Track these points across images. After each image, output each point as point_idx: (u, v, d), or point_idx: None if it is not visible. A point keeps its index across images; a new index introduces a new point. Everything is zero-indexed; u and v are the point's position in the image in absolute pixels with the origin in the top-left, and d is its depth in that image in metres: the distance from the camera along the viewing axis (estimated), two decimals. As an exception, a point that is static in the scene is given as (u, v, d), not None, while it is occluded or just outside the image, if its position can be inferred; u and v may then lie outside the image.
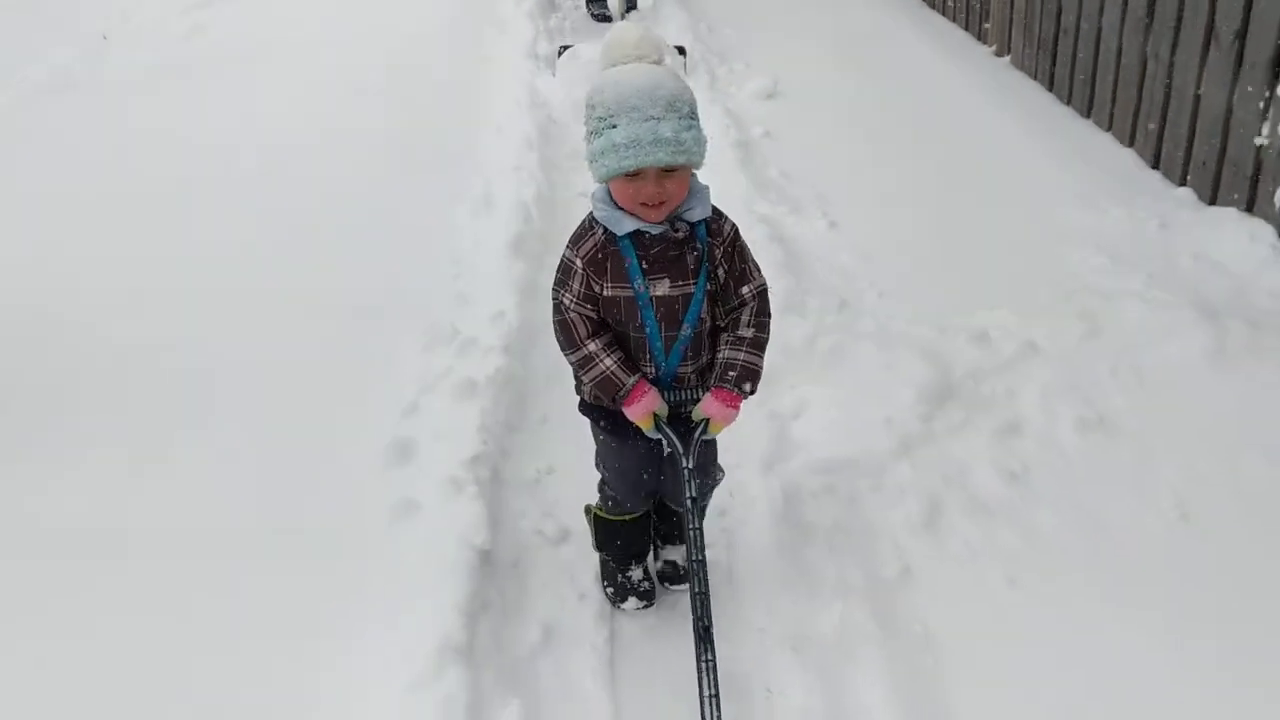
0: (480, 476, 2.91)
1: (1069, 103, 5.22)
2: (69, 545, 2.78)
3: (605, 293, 2.23)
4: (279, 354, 3.50)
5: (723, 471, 2.60)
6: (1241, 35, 3.86)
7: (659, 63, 2.13)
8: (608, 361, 2.25)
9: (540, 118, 5.40)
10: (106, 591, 2.63)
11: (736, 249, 2.29)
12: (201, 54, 6.43)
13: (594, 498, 2.68)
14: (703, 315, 2.27)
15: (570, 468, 3.05)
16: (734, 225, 2.29)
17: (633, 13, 6.78)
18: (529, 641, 2.54)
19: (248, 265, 4.06)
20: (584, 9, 7.24)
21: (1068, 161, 4.65)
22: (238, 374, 3.41)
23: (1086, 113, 5.06)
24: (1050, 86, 5.42)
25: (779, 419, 3.19)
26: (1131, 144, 4.69)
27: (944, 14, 6.78)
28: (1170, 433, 3.01)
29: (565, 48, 6.12)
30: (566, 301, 2.26)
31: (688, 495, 2.29)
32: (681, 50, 5.92)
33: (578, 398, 2.48)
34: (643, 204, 2.13)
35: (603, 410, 2.39)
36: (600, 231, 2.21)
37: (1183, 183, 4.31)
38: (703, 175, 2.25)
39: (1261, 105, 3.79)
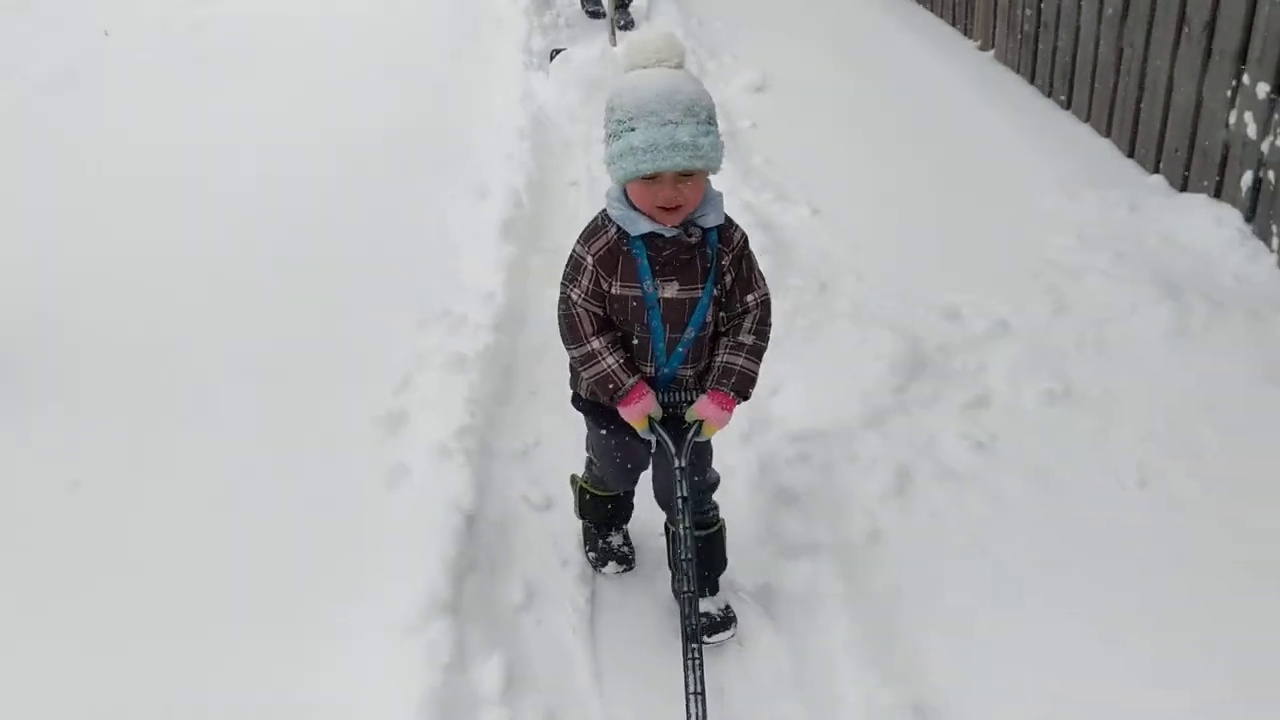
0: (468, 446, 3.03)
1: (1049, 95, 5.35)
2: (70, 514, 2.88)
3: (614, 291, 2.24)
4: (280, 335, 3.60)
5: (718, 475, 2.64)
6: (1210, 27, 3.98)
7: (679, 67, 2.14)
8: (609, 360, 2.27)
9: (533, 109, 5.52)
10: (112, 553, 2.75)
11: (745, 257, 2.31)
12: (202, 52, 6.51)
13: (580, 469, 2.78)
14: (707, 320, 2.29)
15: (557, 440, 3.17)
16: (744, 234, 2.32)
17: (626, 8, 6.90)
18: (513, 599, 2.67)
19: (248, 253, 4.14)
20: (578, 5, 7.36)
21: (1046, 151, 4.78)
22: (240, 356, 3.51)
23: (1067, 104, 5.18)
24: (1032, 79, 5.54)
25: (757, 394, 3.27)
26: (1108, 134, 4.81)
27: (931, 9, 6.90)
28: (1131, 403, 3.14)
29: (557, 51, 6.23)
30: (575, 297, 2.28)
31: (679, 495, 2.32)
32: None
33: (571, 392, 2.51)
34: (659, 207, 2.14)
35: (598, 408, 2.42)
36: (613, 230, 2.22)
37: (1156, 170, 4.43)
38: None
39: (1229, 94, 3.91)
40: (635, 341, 2.30)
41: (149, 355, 3.55)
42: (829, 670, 2.46)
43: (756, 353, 2.35)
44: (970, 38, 6.29)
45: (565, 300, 2.31)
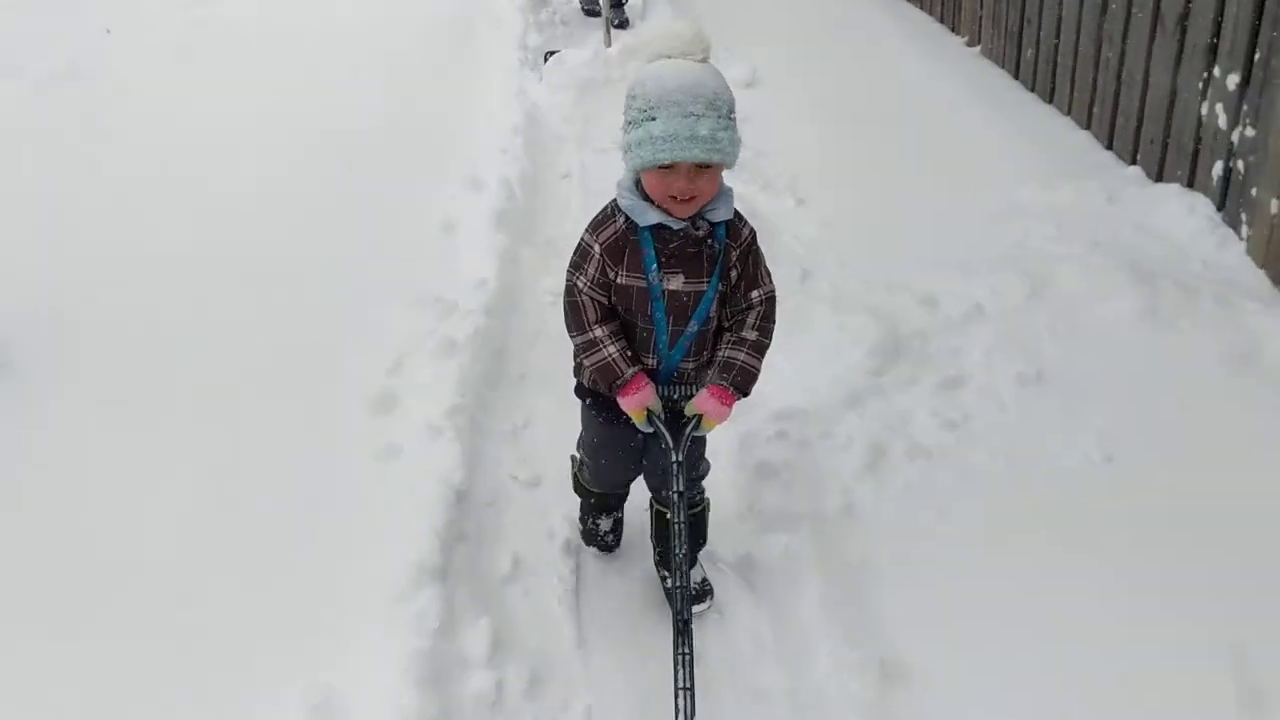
0: (458, 425, 3.13)
1: (1033, 89, 5.46)
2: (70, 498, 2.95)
3: (619, 280, 2.26)
4: (278, 320, 3.69)
5: (709, 465, 2.68)
6: (1184, 22, 4.08)
7: (704, 60, 2.14)
8: (611, 349, 2.29)
9: (527, 104, 5.64)
10: (118, 521, 2.83)
11: (752, 253, 2.32)
12: (202, 51, 6.60)
13: (570, 447, 2.83)
14: (711, 314, 2.31)
15: (547, 421, 3.29)
16: (752, 230, 2.34)
17: (621, 7, 6.99)
18: (500, 569, 2.77)
19: (247, 248, 4.19)
20: (575, 3, 7.46)
21: (1028, 144, 4.88)
22: (241, 339, 3.60)
23: (1049, 98, 5.29)
24: (1016, 74, 5.65)
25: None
26: (1088, 126, 4.92)
27: (920, 6, 7.02)
28: (1100, 384, 3.24)
29: (551, 53, 6.33)
30: (580, 284, 2.30)
31: (675, 489, 2.34)
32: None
33: (575, 381, 2.53)
34: (672, 197, 2.15)
35: (598, 396, 2.44)
36: (622, 220, 2.24)
37: (1133, 161, 4.54)
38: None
39: (1200, 86, 4.02)
40: (639, 333, 2.32)
41: (148, 355, 3.57)
42: (803, 634, 2.57)
43: (759, 349, 2.36)
44: (957, 34, 6.41)
45: (571, 288, 2.32)
